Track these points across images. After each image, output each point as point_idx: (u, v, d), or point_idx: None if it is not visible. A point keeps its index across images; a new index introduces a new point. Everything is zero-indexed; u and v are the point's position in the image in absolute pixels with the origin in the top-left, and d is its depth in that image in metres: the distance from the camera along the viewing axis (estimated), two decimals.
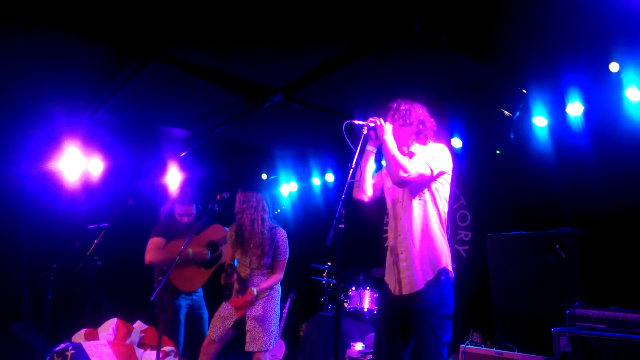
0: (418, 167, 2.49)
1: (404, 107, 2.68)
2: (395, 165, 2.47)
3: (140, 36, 3.76)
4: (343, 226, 2.28)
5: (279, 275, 3.60)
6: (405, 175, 2.45)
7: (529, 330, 3.86)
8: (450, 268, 2.50)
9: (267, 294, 3.57)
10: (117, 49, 3.93)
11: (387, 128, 2.59)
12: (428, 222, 2.50)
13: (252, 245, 3.56)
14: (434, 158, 2.54)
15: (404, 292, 2.47)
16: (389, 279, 2.59)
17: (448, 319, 2.42)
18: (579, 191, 4.27)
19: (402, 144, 2.67)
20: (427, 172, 2.50)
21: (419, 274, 2.44)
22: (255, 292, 3.46)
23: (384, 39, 3.71)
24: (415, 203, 2.53)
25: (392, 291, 2.54)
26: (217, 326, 3.52)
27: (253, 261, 3.58)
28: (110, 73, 4.30)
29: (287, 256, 3.64)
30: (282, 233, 3.64)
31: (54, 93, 4.80)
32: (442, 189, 2.58)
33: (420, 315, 2.40)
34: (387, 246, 2.69)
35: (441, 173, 2.57)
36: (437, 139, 2.75)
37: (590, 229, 4.02)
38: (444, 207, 2.58)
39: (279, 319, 3.63)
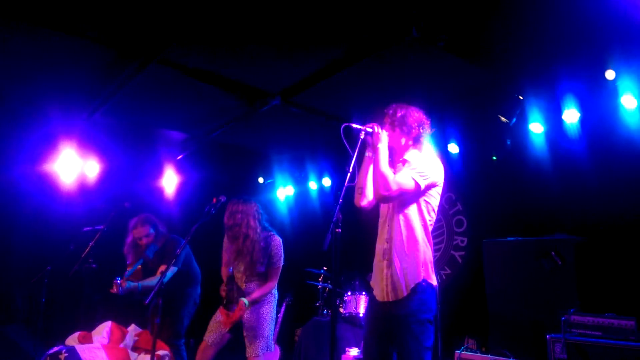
0: (402, 184, 2.46)
1: (399, 113, 2.66)
2: (380, 180, 2.46)
3: (138, 39, 3.76)
4: (340, 230, 2.27)
5: (272, 283, 3.59)
6: (386, 193, 2.44)
7: (524, 336, 3.87)
8: (432, 278, 2.50)
9: (262, 298, 3.56)
10: (115, 51, 3.93)
11: (383, 137, 2.57)
12: (414, 232, 2.50)
13: (245, 257, 3.56)
14: (423, 172, 2.51)
15: (386, 299, 2.48)
16: (374, 284, 2.61)
17: (429, 324, 2.43)
18: (575, 198, 4.29)
19: (396, 150, 2.66)
20: (412, 186, 2.47)
21: (402, 283, 2.45)
22: (246, 304, 3.46)
23: (382, 44, 3.73)
24: (403, 214, 2.53)
25: (376, 297, 2.55)
26: (213, 330, 3.51)
27: (247, 269, 3.57)
28: (108, 75, 4.30)
29: (281, 264, 3.62)
30: (276, 241, 3.62)
31: (51, 95, 4.78)
32: (432, 200, 2.58)
33: (402, 321, 2.40)
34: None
35: (432, 186, 2.56)
36: (433, 144, 2.73)
37: (586, 236, 4.03)
38: (431, 218, 2.58)
39: (274, 323, 3.61)
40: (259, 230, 3.57)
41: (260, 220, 3.62)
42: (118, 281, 3.73)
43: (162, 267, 3.97)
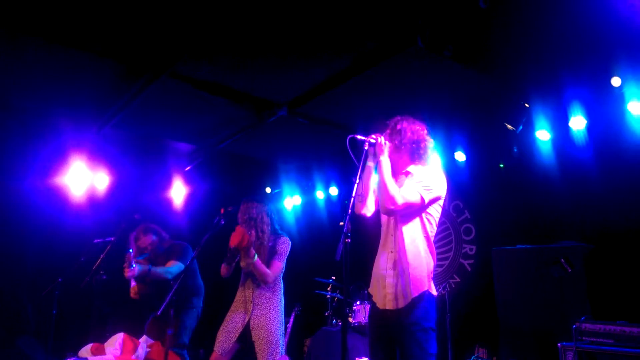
0: (408, 197, 2.50)
1: (401, 126, 2.69)
2: (385, 194, 2.50)
3: (148, 53, 3.82)
4: (349, 240, 2.29)
5: (269, 272, 3.48)
6: (392, 207, 2.48)
7: (535, 345, 3.84)
8: (432, 288, 2.55)
9: (269, 304, 3.55)
10: (126, 65, 4.00)
11: (385, 148, 2.61)
12: (417, 244, 2.54)
13: (256, 251, 3.58)
14: (427, 185, 2.54)
15: (387, 307, 2.51)
16: (374, 291, 2.63)
17: (433, 332, 2.46)
18: (583, 205, 4.28)
19: (398, 162, 2.69)
20: (417, 201, 2.51)
21: (404, 293, 2.48)
22: (255, 257, 3.39)
23: (387, 54, 3.76)
24: (406, 226, 2.56)
25: (377, 304, 2.58)
26: (222, 340, 3.50)
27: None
28: (118, 89, 4.36)
29: (282, 262, 3.57)
30: (284, 239, 3.61)
31: (62, 108, 4.86)
32: (434, 213, 2.61)
33: (406, 329, 2.43)
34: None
35: (435, 200, 2.59)
36: (435, 158, 2.76)
37: (595, 243, 4.02)
38: (433, 230, 2.62)
39: (283, 329, 3.60)
40: (270, 228, 3.59)
41: (273, 220, 3.65)
42: (131, 254, 3.69)
43: (170, 262, 4.01)
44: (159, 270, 3.97)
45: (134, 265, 3.75)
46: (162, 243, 4.26)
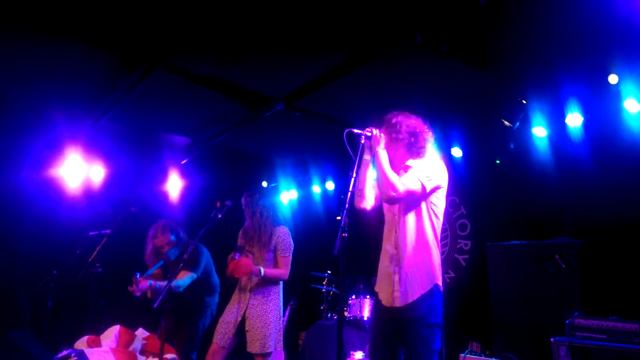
0: (408, 185, 2.49)
1: (397, 119, 2.69)
2: (385, 182, 2.49)
3: (144, 46, 3.80)
4: (346, 235, 2.30)
5: (283, 271, 3.59)
6: (394, 194, 2.46)
7: (528, 339, 3.87)
8: (440, 281, 2.53)
9: (267, 295, 3.56)
10: (121, 58, 3.97)
11: (381, 141, 2.60)
12: (424, 237, 2.52)
13: (254, 239, 3.62)
14: (427, 174, 2.54)
15: (395, 305, 2.48)
16: (380, 289, 2.60)
17: (438, 328, 2.45)
18: (579, 201, 4.30)
19: (397, 156, 2.68)
20: (418, 189, 2.50)
21: (413, 288, 2.46)
22: (261, 272, 3.45)
23: (385, 49, 3.75)
24: (411, 218, 2.55)
25: (382, 301, 2.55)
26: (222, 331, 3.52)
27: (256, 255, 3.60)
28: (113, 82, 4.34)
29: (290, 254, 3.63)
30: (283, 230, 3.66)
31: (57, 101, 4.83)
32: (439, 203, 2.59)
33: (411, 324, 2.42)
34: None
35: (436, 188, 2.57)
36: (433, 151, 2.77)
37: (590, 239, 4.04)
38: (439, 222, 2.59)
39: (280, 322, 3.62)
40: (270, 215, 3.64)
41: (273, 208, 3.70)
42: (137, 276, 3.58)
43: (182, 274, 3.84)
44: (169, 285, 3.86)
45: (140, 286, 3.58)
46: (179, 244, 4.03)
